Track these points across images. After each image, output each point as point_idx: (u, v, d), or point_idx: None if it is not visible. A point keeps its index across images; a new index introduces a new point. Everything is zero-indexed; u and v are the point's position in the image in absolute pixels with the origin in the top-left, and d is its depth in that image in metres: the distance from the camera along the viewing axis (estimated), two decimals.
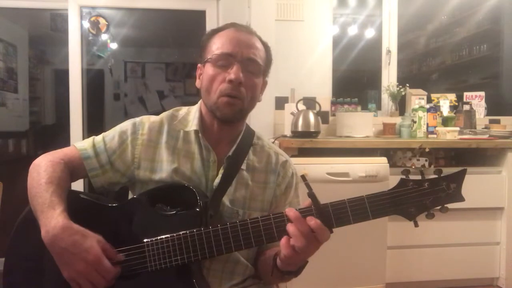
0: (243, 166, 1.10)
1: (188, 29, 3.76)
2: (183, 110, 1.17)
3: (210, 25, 3.05)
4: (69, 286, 0.93)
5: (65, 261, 0.91)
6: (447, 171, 0.91)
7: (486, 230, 2.62)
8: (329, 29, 3.17)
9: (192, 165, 1.08)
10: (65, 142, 2.92)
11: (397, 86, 3.19)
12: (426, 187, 0.88)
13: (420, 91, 3.19)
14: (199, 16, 3.11)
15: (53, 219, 0.91)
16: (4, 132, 4.09)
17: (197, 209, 0.97)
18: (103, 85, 5.62)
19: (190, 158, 1.08)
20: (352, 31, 3.58)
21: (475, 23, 4.08)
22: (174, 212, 0.98)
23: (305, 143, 2.42)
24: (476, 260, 2.62)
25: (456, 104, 3.21)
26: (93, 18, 3.29)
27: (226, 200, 1.06)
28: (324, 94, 3.09)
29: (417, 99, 3.14)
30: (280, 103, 2.94)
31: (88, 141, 1.11)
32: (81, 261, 0.89)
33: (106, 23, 3.35)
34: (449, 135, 2.74)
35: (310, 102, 2.86)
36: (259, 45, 1.08)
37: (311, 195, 0.89)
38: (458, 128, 2.83)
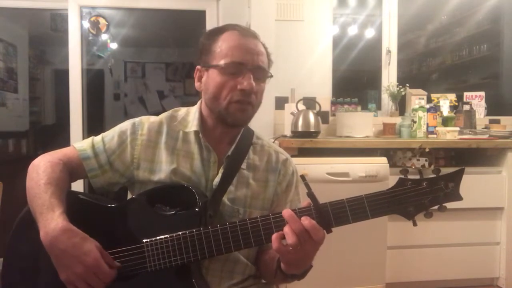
0: (244, 165, 1.10)
1: (188, 29, 3.76)
2: (183, 110, 1.16)
3: (210, 25, 3.05)
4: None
5: (63, 263, 0.91)
6: (447, 171, 0.91)
7: (486, 230, 2.62)
8: (329, 29, 3.17)
9: (192, 165, 1.08)
10: (65, 142, 2.92)
11: (397, 86, 3.19)
12: (425, 187, 0.88)
13: (420, 91, 3.19)
14: (199, 16, 3.11)
15: (52, 221, 0.91)
16: (4, 132, 4.10)
17: (196, 209, 0.97)
18: (103, 85, 5.63)
19: (190, 158, 1.08)
20: (352, 31, 3.58)
21: (475, 23, 4.09)
22: (174, 212, 0.98)
23: (305, 143, 2.42)
24: (476, 260, 2.62)
25: (456, 104, 3.21)
26: (93, 18, 3.29)
27: (226, 199, 1.06)
28: (324, 94, 3.09)
29: (417, 99, 3.14)
30: (280, 103, 2.94)
31: (87, 142, 1.11)
32: (80, 264, 0.89)
33: (106, 23, 3.35)
34: (449, 135, 2.74)
35: (310, 102, 2.86)
36: (263, 50, 1.07)
37: (310, 194, 0.89)
38: (458, 128, 2.83)
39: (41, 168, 1.01)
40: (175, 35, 5.08)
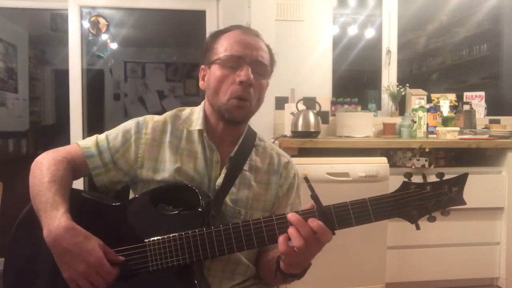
0: (246, 167, 1.10)
1: (188, 29, 3.76)
2: (187, 110, 1.17)
3: (210, 25, 3.05)
4: (68, 286, 0.92)
5: (66, 262, 0.91)
6: (447, 171, 0.91)
7: (486, 230, 2.62)
8: (329, 29, 3.17)
9: (195, 165, 1.08)
10: (65, 142, 2.91)
11: (397, 86, 3.19)
12: (428, 190, 0.89)
13: (420, 91, 3.19)
14: (199, 16, 3.11)
15: (56, 219, 0.91)
16: (4, 132, 4.09)
17: (199, 209, 0.97)
18: (103, 85, 5.62)
19: (193, 158, 1.09)
20: (352, 31, 3.58)
21: (475, 23, 4.09)
22: (176, 212, 0.98)
23: (305, 143, 2.42)
24: (476, 260, 2.62)
25: (456, 104, 3.21)
26: (93, 18, 3.29)
27: (228, 200, 1.06)
28: (324, 94, 3.09)
29: (417, 99, 3.14)
30: (280, 103, 2.94)
31: (91, 139, 1.11)
32: (83, 262, 0.90)
33: (106, 23, 3.35)
34: (449, 135, 2.74)
35: (310, 102, 2.86)
36: (265, 47, 1.09)
37: (314, 197, 0.89)
38: (458, 128, 2.83)
39: (45, 166, 1.01)
40: (175, 35, 5.07)
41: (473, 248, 2.61)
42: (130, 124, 1.12)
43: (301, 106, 2.70)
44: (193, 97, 5.53)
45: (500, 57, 3.93)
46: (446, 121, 3.05)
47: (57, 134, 4.46)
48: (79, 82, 2.95)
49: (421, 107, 2.88)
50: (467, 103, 3.11)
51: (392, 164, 2.45)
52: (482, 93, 3.26)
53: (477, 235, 2.61)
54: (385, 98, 3.29)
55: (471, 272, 2.63)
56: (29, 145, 4.56)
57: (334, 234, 0.89)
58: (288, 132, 2.74)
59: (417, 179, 0.90)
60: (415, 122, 2.83)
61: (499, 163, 2.62)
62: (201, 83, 1.12)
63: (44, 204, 0.94)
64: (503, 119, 3.21)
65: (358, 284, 2.35)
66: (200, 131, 1.10)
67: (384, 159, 2.37)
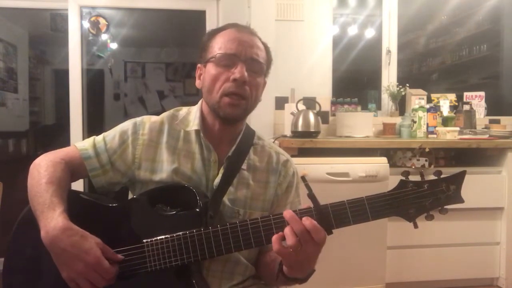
0: (244, 166, 1.10)
1: (188, 29, 3.76)
2: (184, 110, 1.17)
3: (210, 25, 3.05)
4: (68, 286, 0.93)
5: (64, 262, 0.91)
6: (447, 171, 0.91)
7: (486, 230, 2.62)
8: (329, 29, 3.17)
9: (193, 165, 1.08)
10: (65, 142, 2.92)
11: (397, 86, 3.19)
12: (426, 189, 0.88)
13: (420, 91, 3.19)
14: (199, 16, 3.11)
15: (53, 219, 0.91)
16: (4, 132, 4.09)
17: (197, 210, 0.97)
18: (103, 85, 5.62)
19: (191, 158, 1.08)
20: (352, 31, 3.58)
21: (475, 23, 4.09)
22: (174, 212, 0.98)
23: (305, 143, 2.42)
24: (476, 260, 2.62)
25: (456, 104, 3.21)
26: (93, 18, 3.29)
27: (226, 199, 1.06)
28: (324, 94, 3.09)
29: (417, 99, 3.14)
30: (280, 103, 2.94)
31: (89, 141, 1.11)
32: (81, 262, 0.90)
33: (106, 23, 3.35)
34: (449, 135, 2.74)
35: (310, 102, 2.86)
36: (260, 45, 1.08)
37: (311, 196, 0.89)
38: (458, 128, 2.83)
39: (43, 167, 1.01)
40: (175, 35, 5.07)
41: (473, 248, 2.61)
42: (127, 125, 1.12)
43: (301, 106, 2.70)
44: (193, 97, 5.52)
45: (500, 57, 3.93)
46: (446, 121, 3.05)
47: (57, 134, 4.47)
48: (79, 82, 2.95)
49: (421, 107, 2.88)
50: (467, 103, 3.11)
51: (392, 164, 2.45)
52: (482, 93, 3.26)
53: (477, 235, 2.61)
54: (385, 98, 3.29)
55: (471, 272, 2.63)
56: (29, 145, 4.56)
57: (331, 233, 0.89)
58: (288, 132, 2.74)
59: (415, 178, 0.90)
60: (415, 122, 2.83)
61: (499, 163, 2.62)
62: (197, 82, 1.12)
63: (41, 206, 0.94)
64: (503, 119, 3.21)
65: (358, 284, 2.35)
66: (197, 132, 1.10)
67: (384, 159, 2.37)
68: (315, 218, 0.87)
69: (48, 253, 0.92)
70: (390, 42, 3.32)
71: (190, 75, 5.59)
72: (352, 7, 3.56)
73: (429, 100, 3.19)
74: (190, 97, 5.58)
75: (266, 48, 1.11)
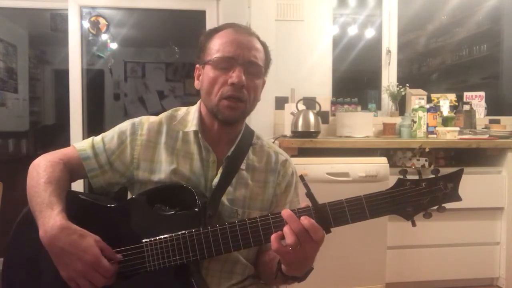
0: (243, 166, 1.10)
1: (188, 29, 3.75)
2: (182, 110, 1.16)
3: (210, 25, 3.04)
4: (67, 285, 0.93)
5: (63, 261, 0.91)
6: (446, 171, 0.91)
7: (486, 230, 2.62)
8: (329, 29, 3.17)
9: (191, 166, 1.08)
10: (65, 142, 2.92)
11: (397, 86, 3.19)
12: (423, 187, 0.88)
13: (420, 91, 3.19)
14: (199, 16, 3.11)
15: (51, 219, 0.91)
16: (4, 132, 4.10)
17: (196, 209, 0.97)
18: (103, 85, 5.63)
19: (189, 159, 1.08)
20: (352, 31, 3.58)
21: (475, 23, 4.09)
22: (173, 212, 0.98)
23: (305, 143, 2.42)
24: (476, 260, 2.62)
25: (456, 104, 3.21)
26: (93, 18, 3.29)
27: (225, 199, 1.06)
28: (324, 94, 3.09)
29: (417, 99, 3.14)
30: (280, 103, 2.94)
31: (88, 142, 1.11)
32: (79, 261, 0.90)
33: (106, 23, 3.35)
34: (449, 135, 2.74)
35: (310, 102, 2.86)
36: (259, 46, 1.08)
37: (309, 195, 0.89)
38: (458, 128, 2.83)
39: (42, 168, 1.01)
40: (175, 35, 5.07)
41: (473, 248, 2.61)
42: (125, 125, 1.12)
43: (301, 106, 2.70)
44: (193, 97, 5.52)
45: (500, 57, 3.93)
46: (446, 121, 3.05)
47: (57, 134, 4.47)
48: (79, 82, 2.95)
49: (421, 107, 2.88)
50: (467, 103, 3.11)
51: (392, 164, 2.45)
52: (482, 93, 3.26)
53: (477, 235, 2.61)
54: (385, 98, 3.29)
55: (471, 272, 2.63)
56: (29, 145, 4.56)
57: (330, 232, 0.89)
58: (288, 132, 2.74)
59: (413, 177, 0.90)
60: (415, 122, 2.83)
61: (499, 163, 2.62)
62: (196, 82, 1.12)
63: (40, 205, 0.94)
64: (503, 119, 3.21)
65: (358, 284, 2.35)
66: (195, 132, 1.10)
67: (384, 159, 2.37)
68: (313, 217, 0.88)
69: (47, 252, 0.92)
70: (390, 42, 3.32)
71: (190, 75, 5.57)
72: (352, 7, 3.56)
73: (429, 100, 3.18)
74: (190, 97, 5.58)
75: (265, 48, 1.10)
